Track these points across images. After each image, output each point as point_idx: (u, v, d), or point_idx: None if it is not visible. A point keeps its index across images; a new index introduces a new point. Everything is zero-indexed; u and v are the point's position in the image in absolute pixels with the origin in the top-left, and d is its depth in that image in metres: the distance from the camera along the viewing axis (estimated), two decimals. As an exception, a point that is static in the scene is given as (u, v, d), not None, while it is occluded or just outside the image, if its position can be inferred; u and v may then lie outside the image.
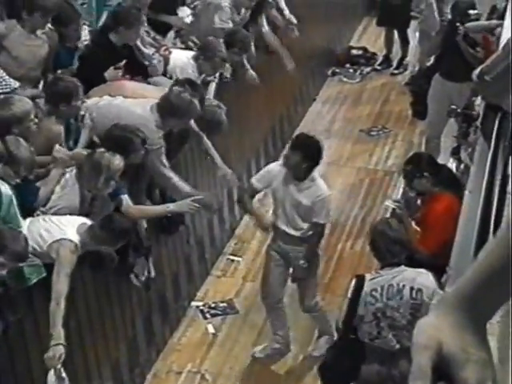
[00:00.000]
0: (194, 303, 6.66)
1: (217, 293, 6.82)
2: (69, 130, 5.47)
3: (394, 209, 5.82)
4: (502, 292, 1.52)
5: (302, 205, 5.82)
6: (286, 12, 8.09)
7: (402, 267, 4.88)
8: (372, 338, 4.81)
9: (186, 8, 7.44)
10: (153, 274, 5.67)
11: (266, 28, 7.81)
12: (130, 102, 5.73)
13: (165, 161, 5.67)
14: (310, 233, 5.87)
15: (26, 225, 4.74)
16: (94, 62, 6.06)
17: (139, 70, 6.39)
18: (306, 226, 5.88)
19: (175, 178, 5.71)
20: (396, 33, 10.53)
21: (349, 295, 4.86)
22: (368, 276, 4.90)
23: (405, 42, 10.38)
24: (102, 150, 5.14)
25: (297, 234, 5.92)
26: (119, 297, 5.53)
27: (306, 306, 6.16)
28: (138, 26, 6.20)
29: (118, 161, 5.07)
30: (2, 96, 5.17)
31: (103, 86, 5.93)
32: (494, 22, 7.24)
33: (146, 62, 6.41)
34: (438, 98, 7.65)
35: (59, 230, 4.74)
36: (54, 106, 5.28)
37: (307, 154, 5.73)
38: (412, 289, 4.74)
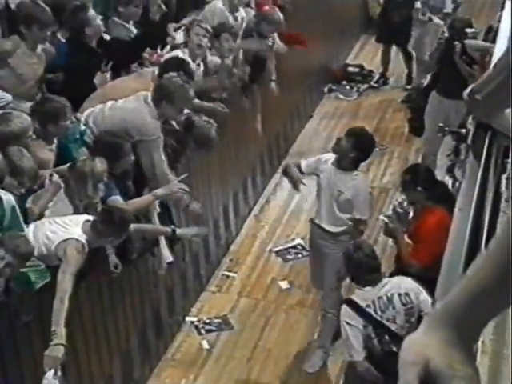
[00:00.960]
0: (188, 319, 6.67)
1: (212, 308, 6.82)
2: (68, 150, 5.49)
3: (386, 223, 5.86)
4: (490, 309, 1.54)
5: (343, 196, 5.87)
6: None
7: (384, 280, 4.97)
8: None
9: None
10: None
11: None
12: (121, 101, 5.75)
13: (162, 153, 5.68)
14: (344, 228, 5.91)
15: (30, 229, 4.77)
16: (77, 71, 6.05)
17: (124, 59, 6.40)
18: (343, 220, 5.92)
19: (170, 174, 5.70)
20: (395, 50, 10.60)
21: (348, 320, 4.87)
22: (354, 296, 4.96)
23: (408, 57, 10.43)
24: (82, 157, 5.21)
25: (332, 229, 5.95)
26: (113, 311, 5.54)
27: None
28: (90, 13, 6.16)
29: (100, 163, 5.11)
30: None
31: (94, 96, 5.95)
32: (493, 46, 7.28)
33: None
34: (435, 115, 7.66)
35: (65, 229, 4.76)
36: (41, 127, 5.26)
37: (358, 143, 5.81)
38: (400, 295, 4.86)
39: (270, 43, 7.57)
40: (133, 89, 5.84)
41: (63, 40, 6.23)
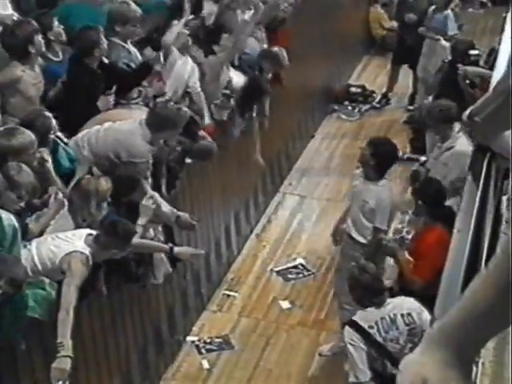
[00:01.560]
0: (189, 338, 6.65)
1: (212, 328, 6.80)
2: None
3: (385, 244, 5.88)
4: (488, 330, 1.55)
5: (367, 206, 5.99)
6: None
7: (387, 301, 4.98)
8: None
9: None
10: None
11: None
12: (118, 123, 5.78)
13: (148, 176, 5.70)
14: (368, 239, 6.02)
15: (33, 245, 4.77)
16: (80, 93, 6.03)
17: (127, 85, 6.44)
18: (370, 230, 6.01)
19: (154, 197, 5.69)
20: (405, 70, 10.66)
21: (351, 341, 4.86)
22: (356, 318, 4.96)
23: (417, 78, 10.50)
24: (88, 176, 5.21)
25: (361, 239, 6.04)
26: (114, 329, 5.53)
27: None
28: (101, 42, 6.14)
29: (104, 182, 5.13)
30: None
31: (94, 120, 5.98)
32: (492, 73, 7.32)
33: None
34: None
35: (68, 243, 4.76)
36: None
37: (377, 151, 5.97)
38: (402, 315, 4.86)
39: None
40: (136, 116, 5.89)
41: (56, 59, 6.27)
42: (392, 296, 5.32)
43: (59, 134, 5.51)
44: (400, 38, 10.55)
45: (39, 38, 5.73)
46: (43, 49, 5.87)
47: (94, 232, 4.92)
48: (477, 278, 1.60)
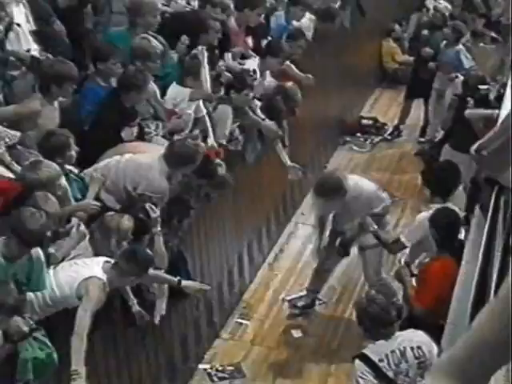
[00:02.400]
0: (201, 366, 6.63)
1: (224, 356, 6.78)
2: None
3: (398, 268, 5.95)
4: (494, 362, 1.58)
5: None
6: None
7: (396, 333, 4.97)
8: None
9: None
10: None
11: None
12: (139, 155, 5.85)
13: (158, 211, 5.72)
14: None
15: (50, 274, 4.79)
16: (108, 123, 6.13)
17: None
18: None
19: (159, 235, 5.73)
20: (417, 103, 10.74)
21: (362, 375, 4.86)
22: (367, 351, 4.95)
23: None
24: (111, 213, 5.23)
25: None
26: (127, 357, 5.56)
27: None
28: (146, 88, 6.27)
29: (126, 221, 5.16)
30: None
31: (115, 149, 6.04)
32: (496, 111, 7.36)
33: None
34: None
35: (86, 269, 4.78)
36: (50, 161, 5.33)
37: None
38: (412, 348, 4.82)
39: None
40: (157, 151, 5.95)
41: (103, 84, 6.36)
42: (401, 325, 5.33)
43: (70, 167, 5.58)
44: (415, 71, 10.63)
45: (67, 84, 5.80)
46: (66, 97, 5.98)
47: (111, 260, 4.96)
48: (484, 309, 1.63)
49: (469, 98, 7.78)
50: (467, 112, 7.46)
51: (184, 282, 5.51)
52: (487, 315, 1.59)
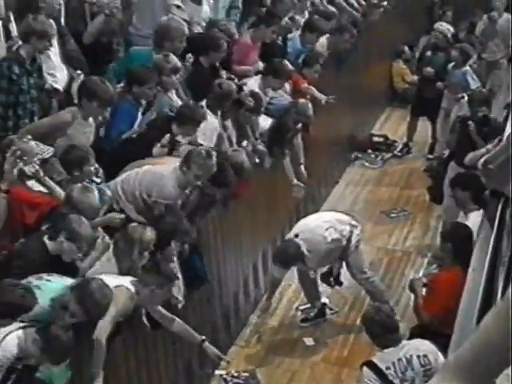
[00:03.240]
0: (217, 371, 6.61)
1: (240, 362, 6.76)
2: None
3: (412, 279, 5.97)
4: (499, 362, 1.59)
5: None
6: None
7: (403, 342, 4.98)
8: None
9: None
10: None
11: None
12: (156, 166, 5.91)
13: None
14: None
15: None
16: (141, 142, 6.20)
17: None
18: None
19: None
20: (421, 122, 10.77)
21: (369, 382, 4.85)
22: (375, 359, 4.96)
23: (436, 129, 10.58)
24: (135, 224, 5.26)
25: None
26: (147, 363, 5.57)
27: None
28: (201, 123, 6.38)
29: (149, 233, 5.16)
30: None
31: (136, 162, 6.07)
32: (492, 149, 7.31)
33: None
34: None
35: (116, 280, 4.79)
36: (68, 173, 5.42)
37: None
38: (419, 357, 4.81)
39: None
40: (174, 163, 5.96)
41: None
42: (411, 333, 5.35)
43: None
44: (419, 90, 10.66)
45: (103, 102, 5.88)
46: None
47: (134, 279, 4.95)
48: (490, 312, 1.64)
49: (470, 122, 7.78)
50: (466, 159, 7.38)
51: (206, 344, 5.45)
52: (493, 318, 1.59)
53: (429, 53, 10.63)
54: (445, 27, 10.83)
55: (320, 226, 6.85)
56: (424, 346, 4.92)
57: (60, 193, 5.25)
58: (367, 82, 11.07)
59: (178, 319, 5.27)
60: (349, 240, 6.86)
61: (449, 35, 10.73)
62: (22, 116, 5.90)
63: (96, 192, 5.22)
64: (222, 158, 6.24)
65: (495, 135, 7.50)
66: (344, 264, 7.11)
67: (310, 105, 7.76)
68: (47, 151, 5.35)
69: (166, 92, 6.74)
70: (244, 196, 6.86)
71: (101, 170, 5.78)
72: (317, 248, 6.74)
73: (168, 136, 6.22)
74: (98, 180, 5.67)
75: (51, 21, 6.13)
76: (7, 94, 5.85)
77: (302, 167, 7.99)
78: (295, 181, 7.85)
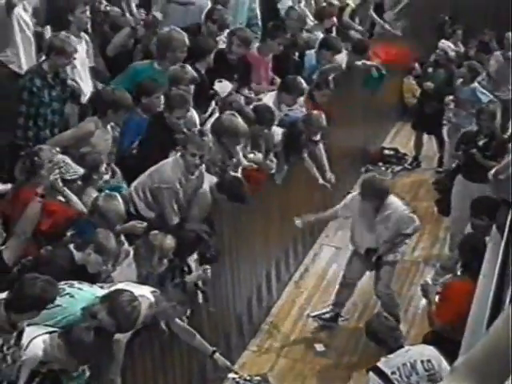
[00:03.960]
0: (230, 375, 6.62)
1: (252, 366, 6.77)
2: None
3: (424, 284, 5.94)
4: (509, 365, 1.59)
5: None
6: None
7: (406, 347, 4.97)
8: None
9: None
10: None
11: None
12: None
13: (174, 204, 5.80)
14: None
15: (106, 287, 4.81)
16: (154, 143, 6.24)
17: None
18: None
19: (175, 220, 5.82)
20: (426, 137, 10.78)
21: None
22: (380, 364, 4.94)
23: (441, 143, 10.56)
24: (156, 231, 5.29)
25: None
26: (163, 366, 5.56)
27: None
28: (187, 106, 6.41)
29: (169, 241, 5.18)
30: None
31: None
32: None
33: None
34: (460, 197, 7.75)
35: (137, 290, 4.79)
36: (88, 177, 5.51)
37: None
38: (422, 362, 4.80)
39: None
40: None
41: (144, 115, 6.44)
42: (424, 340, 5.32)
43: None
44: (419, 106, 10.65)
45: (121, 111, 5.98)
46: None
47: (157, 290, 4.97)
48: (500, 317, 1.64)
49: (474, 150, 7.75)
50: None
51: (217, 355, 5.44)
52: (503, 323, 1.60)
53: (430, 69, 10.61)
54: (446, 45, 10.82)
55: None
56: (427, 351, 4.92)
57: (76, 202, 5.29)
58: (379, 97, 11.06)
59: (192, 331, 5.26)
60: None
61: (450, 52, 10.72)
62: (42, 127, 5.99)
63: (120, 199, 5.26)
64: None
65: (502, 151, 7.52)
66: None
67: (323, 116, 7.75)
68: (74, 173, 5.40)
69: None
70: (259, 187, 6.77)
71: (118, 172, 5.85)
72: (396, 207, 6.95)
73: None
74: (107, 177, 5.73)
75: (73, 37, 6.19)
76: (28, 105, 5.95)
77: (329, 174, 7.98)
78: (321, 180, 7.84)
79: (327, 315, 7.36)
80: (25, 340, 4.20)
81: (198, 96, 6.87)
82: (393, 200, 6.98)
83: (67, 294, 4.52)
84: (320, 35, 9.18)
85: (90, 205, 5.24)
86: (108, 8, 7.44)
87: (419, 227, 7.13)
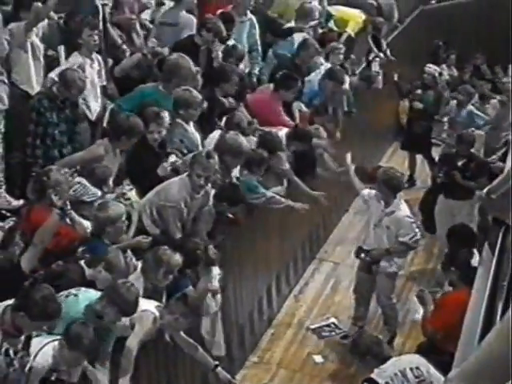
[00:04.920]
0: (232, 385, 6.65)
1: (253, 377, 6.74)
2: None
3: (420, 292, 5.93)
4: (501, 375, 1.61)
5: None
6: None
7: (396, 357, 5.02)
8: None
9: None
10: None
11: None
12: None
13: (178, 222, 5.80)
14: None
15: None
16: (136, 160, 6.24)
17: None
18: None
19: (178, 235, 5.81)
20: (420, 156, 10.82)
21: None
22: (373, 375, 4.95)
23: (432, 162, 10.58)
24: (165, 247, 5.29)
25: None
26: (168, 376, 5.56)
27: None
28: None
29: (177, 257, 5.19)
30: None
31: None
32: None
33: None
34: (443, 215, 8.12)
35: (143, 304, 4.80)
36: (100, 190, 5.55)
37: None
38: (411, 369, 4.86)
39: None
40: None
41: None
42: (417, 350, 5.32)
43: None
44: (408, 126, 10.67)
45: (134, 138, 6.01)
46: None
47: (160, 304, 4.98)
48: (492, 331, 1.66)
49: (455, 172, 7.88)
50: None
51: (220, 369, 5.41)
52: (495, 336, 1.61)
53: (419, 91, 10.66)
54: (432, 68, 10.85)
55: None
56: (415, 359, 4.99)
57: (81, 225, 5.28)
58: (376, 118, 11.12)
59: (196, 345, 5.25)
60: None
61: (436, 75, 10.80)
62: (50, 146, 6.07)
63: (114, 204, 5.32)
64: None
65: (481, 172, 7.71)
66: None
67: (321, 129, 7.74)
68: (92, 194, 5.44)
69: (187, 123, 6.75)
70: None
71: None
72: (399, 207, 6.96)
73: None
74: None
75: (80, 59, 6.30)
76: (36, 124, 6.06)
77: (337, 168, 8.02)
78: (338, 169, 7.94)
79: (353, 332, 7.24)
80: (34, 348, 4.21)
81: (208, 116, 6.94)
82: (403, 203, 6.97)
83: (72, 294, 4.60)
84: (321, 60, 9.19)
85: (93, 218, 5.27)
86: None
87: (416, 242, 6.97)
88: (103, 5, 7.32)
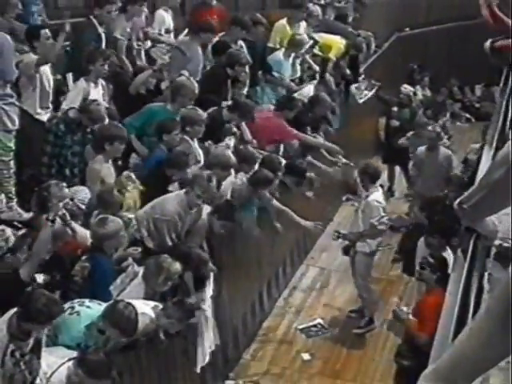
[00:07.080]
0: (228, 382, 6.59)
1: (247, 373, 6.73)
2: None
3: (394, 312, 5.87)
4: (472, 370, 1.61)
5: None
6: None
7: None
8: None
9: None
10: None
11: None
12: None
13: (172, 234, 5.74)
14: None
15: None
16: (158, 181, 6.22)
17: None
18: None
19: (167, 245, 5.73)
20: (399, 169, 10.86)
21: None
22: None
23: (409, 175, 10.62)
24: (166, 255, 5.25)
25: None
26: (163, 372, 5.53)
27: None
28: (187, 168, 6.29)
29: (177, 265, 5.16)
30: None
31: None
32: None
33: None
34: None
35: (140, 306, 4.77)
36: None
37: None
38: None
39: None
40: None
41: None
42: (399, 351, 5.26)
43: None
44: (386, 141, 10.81)
45: (117, 143, 5.93)
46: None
47: (159, 305, 4.93)
48: (464, 330, 1.66)
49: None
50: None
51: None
52: (466, 335, 1.62)
53: (395, 109, 10.70)
54: (408, 89, 10.97)
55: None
56: None
57: (82, 235, 5.20)
58: (357, 134, 11.16)
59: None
60: None
61: (411, 94, 10.88)
62: (63, 165, 6.10)
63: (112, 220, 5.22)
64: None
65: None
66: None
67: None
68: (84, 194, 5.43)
69: (192, 140, 6.74)
70: None
71: None
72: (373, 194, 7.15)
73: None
74: None
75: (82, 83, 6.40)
76: (53, 146, 6.12)
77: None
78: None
79: (363, 323, 7.24)
80: (48, 368, 4.15)
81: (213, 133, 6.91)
82: (379, 191, 7.14)
83: (75, 312, 4.52)
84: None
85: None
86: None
87: (382, 223, 7.02)
88: (105, 33, 7.32)
